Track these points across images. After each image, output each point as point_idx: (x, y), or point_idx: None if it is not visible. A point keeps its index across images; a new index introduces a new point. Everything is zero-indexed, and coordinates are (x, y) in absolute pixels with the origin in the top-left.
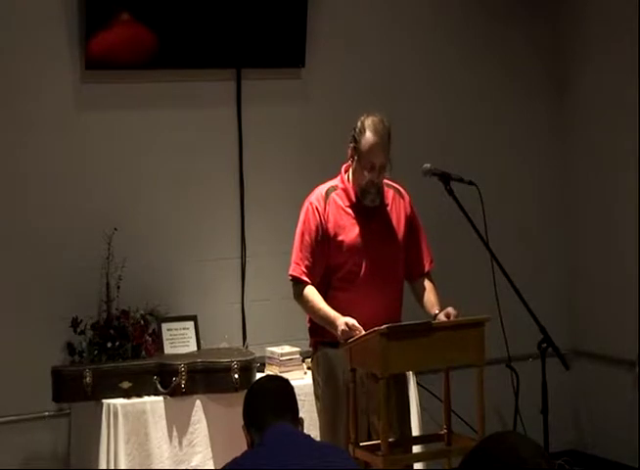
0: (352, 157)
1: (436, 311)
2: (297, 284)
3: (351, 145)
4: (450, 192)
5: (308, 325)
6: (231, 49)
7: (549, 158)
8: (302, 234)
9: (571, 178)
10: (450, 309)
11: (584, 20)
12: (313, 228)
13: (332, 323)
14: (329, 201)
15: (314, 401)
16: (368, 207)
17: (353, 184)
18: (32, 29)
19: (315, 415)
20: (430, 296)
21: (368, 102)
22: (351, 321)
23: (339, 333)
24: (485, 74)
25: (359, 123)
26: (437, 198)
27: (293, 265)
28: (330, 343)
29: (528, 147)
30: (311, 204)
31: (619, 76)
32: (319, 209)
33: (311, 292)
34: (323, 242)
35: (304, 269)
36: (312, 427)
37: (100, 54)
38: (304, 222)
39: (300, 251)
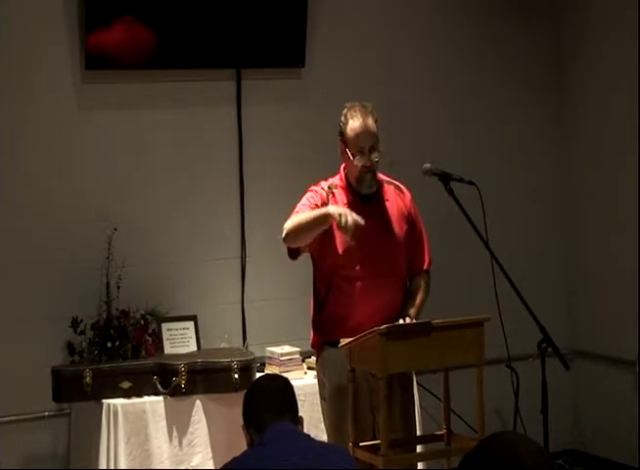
0: (344, 151)
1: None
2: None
3: (339, 139)
4: (450, 192)
5: (312, 322)
6: (231, 49)
7: (549, 157)
8: (305, 199)
9: (571, 178)
10: (408, 318)
11: (585, 19)
12: (315, 198)
13: (323, 215)
14: (331, 195)
15: (316, 401)
16: (367, 203)
17: (349, 178)
18: (32, 29)
19: (315, 415)
20: (414, 297)
21: (368, 101)
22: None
23: (334, 215)
24: (486, 74)
25: (342, 116)
26: (437, 198)
27: None
28: (334, 342)
29: (529, 147)
30: (315, 190)
31: (620, 76)
32: (323, 195)
33: (299, 214)
34: None
35: (297, 210)
36: (312, 426)
37: (100, 54)
38: (307, 196)
39: (299, 205)
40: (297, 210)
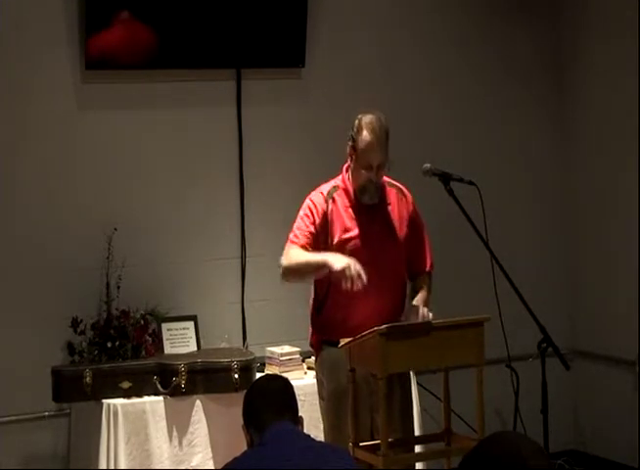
0: (351, 156)
1: (414, 303)
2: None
3: (349, 144)
4: (450, 192)
5: (311, 322)
6: (231, 49)
7: (549, 157)
8: (301, 218)
9: (571, 178)
10: (422, 310)
11: (585, 19)
12: (311, 216)
13: (322, 265)
14: (330, 200)
15: (315, 401)
16: (369, 206)
17: (353, 183)
18: (32, 29)
19: (315, 415)
20: (419, 294)
21: (368, 102)
22: (352, 262)
23: (338, 270)
24: (486, 74)
25: (356, 122)
26: (437, 198)
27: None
28: (333, 342)
29: (529, 147)
30: (313, 201)
31: (620, 76)
32: (322, 205)
33: (296, 251)
34: (321, 230)
35: (294, 237)
36: (312, 426)
37: (100, 54)
38: (304, 213)
39: (296, 229)
40: (293, 232)
